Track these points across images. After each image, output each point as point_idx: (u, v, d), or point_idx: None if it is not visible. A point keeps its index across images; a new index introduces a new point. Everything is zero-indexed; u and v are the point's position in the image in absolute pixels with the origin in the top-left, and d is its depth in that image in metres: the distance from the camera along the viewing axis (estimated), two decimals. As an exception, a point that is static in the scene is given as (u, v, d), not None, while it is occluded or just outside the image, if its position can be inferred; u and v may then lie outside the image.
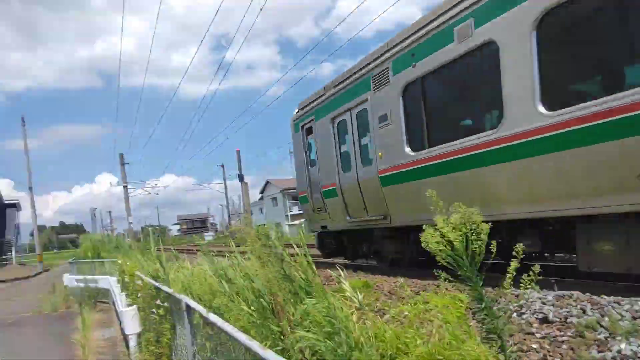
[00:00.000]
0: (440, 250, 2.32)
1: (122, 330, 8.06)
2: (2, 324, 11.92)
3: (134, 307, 7.10)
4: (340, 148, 10.43)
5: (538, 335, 4.28)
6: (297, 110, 12.52)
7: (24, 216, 71.68)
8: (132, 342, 6.99)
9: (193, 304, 3.49)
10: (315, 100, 11.37)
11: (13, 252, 58.89)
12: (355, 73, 9.61)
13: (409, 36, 7.88)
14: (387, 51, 8.50)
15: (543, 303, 5.00)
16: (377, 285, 8.14)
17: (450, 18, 6.79)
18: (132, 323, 7.00)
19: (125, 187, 35.93)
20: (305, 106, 11.88)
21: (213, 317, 2.91)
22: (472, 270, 2.20)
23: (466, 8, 6.50)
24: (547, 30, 5.55)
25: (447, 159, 7.17)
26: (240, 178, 15.38)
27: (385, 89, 8.57)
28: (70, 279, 16.04)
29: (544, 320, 4.55)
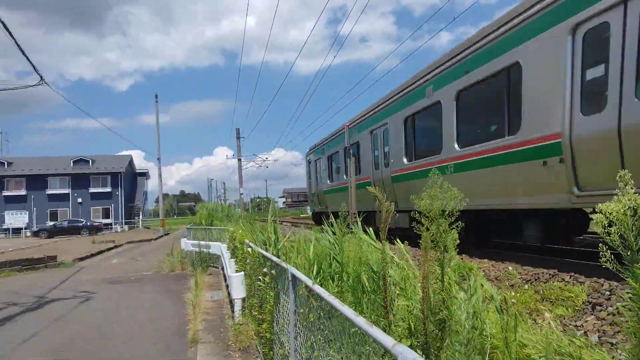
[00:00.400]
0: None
1: (229, 294, 8.45)
2: (128, 280, 13.24)
3: (241, 273, 7.37)
4: (331, 171, 19.80)
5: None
6: (308, 151, 24.22)
7: (151, 184, 79.23)
8: (237, 306, 7.28)
9: (299, 274, 3.44)
10: (317, 146, 21.93)
11: (140, 217, 65.50)
12: (332, 136, 19.28)
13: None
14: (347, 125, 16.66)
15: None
16: (483, 270, 7.66)
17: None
18: (238, 288, 7.29)
19: (239, 159, 37.88)
20: (312, 149, 23.19)
21: (319, 289, 2.81)
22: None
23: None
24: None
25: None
26: (348, 153, 15.32)
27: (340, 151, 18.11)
28: (186, 244, 17.27)
29: None
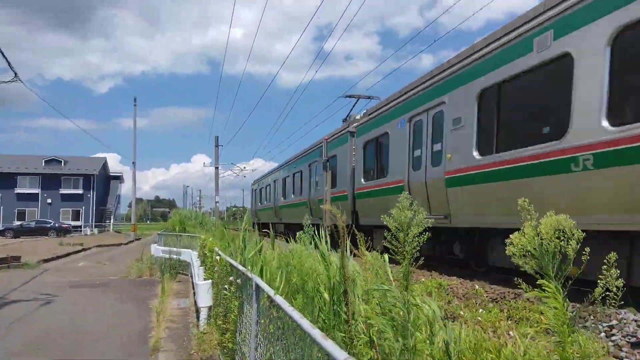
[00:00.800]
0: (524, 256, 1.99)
1: (195, 302, 8.31)
2: (92, 284, 12.90)
3: (209, 281, 7.27)
4: (267, 196, 30.19)
5: None
6: (253, 182, 36.90)
7: (125, 188, 77.85)
8: (203, 315, 7.16)
9: (262, 284, 3.40)
10: (258, 181, 34.86)
11: (111, 220, 64.17)
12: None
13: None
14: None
15: (638, 326, 4.41)
16: (450, 287, 7.72)
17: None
18: (205, 296, 7.18)
19: (216, 168, 37.54)
20: (255, 182, 36.24)
21: (280, 300, 2.79)
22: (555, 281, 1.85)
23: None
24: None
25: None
26: (325, 167, 15.41)
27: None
28: (157, 249, 16.97)
29: (637, 345, 3.98)
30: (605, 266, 1.88)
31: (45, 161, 59.57)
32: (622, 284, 1.83)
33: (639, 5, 5.58)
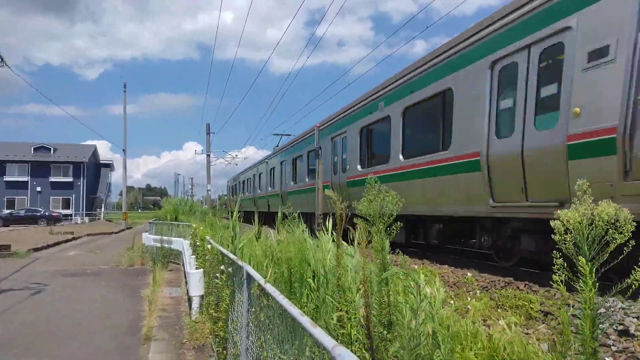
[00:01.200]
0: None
1: (187, 291, 8.32)
2: (83, 273, 12.84)
3: (201, 270, 7.26)
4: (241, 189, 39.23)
5: (614, 348, 3.80)
6: (228, 180, 47.37)
7: (115, 176, 77.38)
8: (195, 304, 7.16)
9: (253, 272, 3.40)
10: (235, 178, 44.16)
11: (102, 209, 63.81)
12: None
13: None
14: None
15: (626, 314, 4.48)
16: (442, 276, 7.79)
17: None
18: (197, 285, 7.17)
19: (208, 155, 37.33)
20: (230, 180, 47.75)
21: (270, 288, 2.79)
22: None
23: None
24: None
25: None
26: (317, 154, 15.50)
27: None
28: (148, 238, 16.90)
29: (624, 333, 4.05)
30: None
31: (34, 148, 58.97)
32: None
33: (415, 95, 10.61)
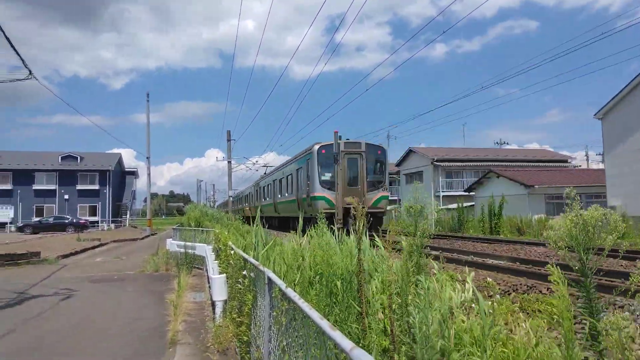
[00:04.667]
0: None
1: (210, 295, 8.45)
2: (109, 279, 13.15)
3: (224, 275, 7.38)
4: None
5: None
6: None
7: (140, 183, 78.64)
8: (218, 308, 7.28)
9: (274, 277, 3.47)
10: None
11: (127, 215, 65.00)
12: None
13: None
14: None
15: None
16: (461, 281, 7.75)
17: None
18: (220, 290, 7.29)
19: (229, 162, 37.77)
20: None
21: (290, 293, 2.85)
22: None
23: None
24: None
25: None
26: (335, 160, 15.50)
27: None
28: (172, 244, 17.17)
29: None
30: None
31: (61, 157, 60.49)
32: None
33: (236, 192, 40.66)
